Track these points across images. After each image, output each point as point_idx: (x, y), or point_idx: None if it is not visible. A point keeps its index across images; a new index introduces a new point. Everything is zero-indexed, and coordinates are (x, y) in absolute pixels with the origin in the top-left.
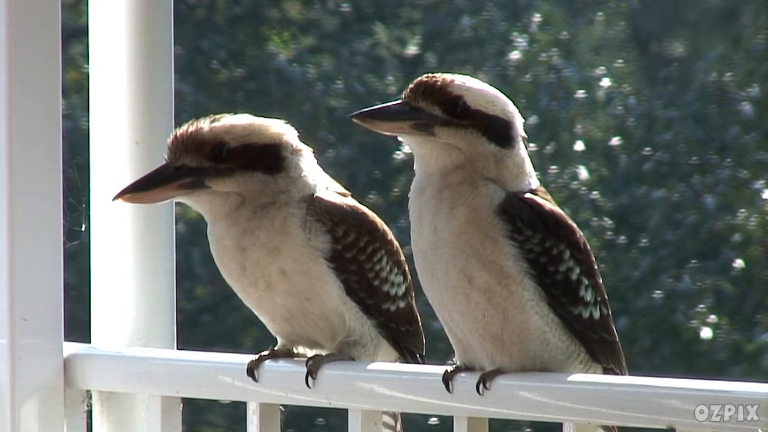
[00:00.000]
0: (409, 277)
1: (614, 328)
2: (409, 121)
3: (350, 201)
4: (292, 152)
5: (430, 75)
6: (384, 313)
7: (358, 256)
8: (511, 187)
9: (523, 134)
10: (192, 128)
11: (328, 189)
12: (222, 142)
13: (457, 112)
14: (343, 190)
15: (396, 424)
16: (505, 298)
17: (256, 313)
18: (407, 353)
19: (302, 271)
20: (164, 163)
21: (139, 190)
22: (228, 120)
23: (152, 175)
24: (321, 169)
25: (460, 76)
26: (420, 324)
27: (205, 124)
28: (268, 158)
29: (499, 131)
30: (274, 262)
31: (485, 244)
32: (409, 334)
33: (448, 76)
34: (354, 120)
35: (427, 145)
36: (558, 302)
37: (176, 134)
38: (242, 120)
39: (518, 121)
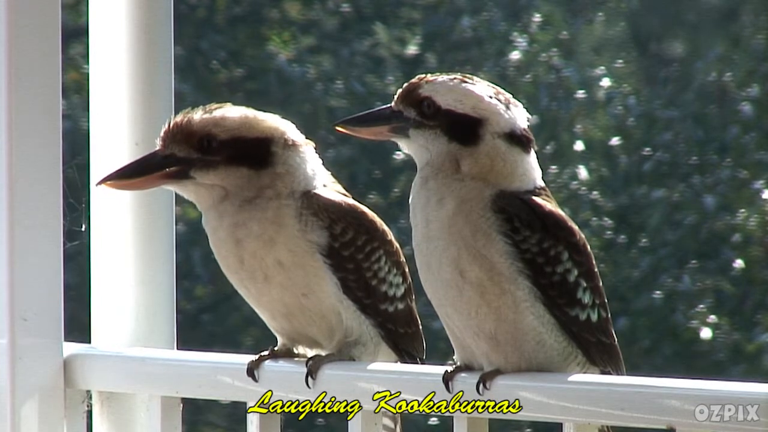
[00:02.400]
0: (409, 278)
1: (613, 331)
2: (386, 125)
3: (349, 200)
4: (285, 147)
5: (420, 76)
6: (382, 314)
7: (355, 254)
8: (506, 185)
9: (508, 131)
10: (185, 118)
11: (327, 187)
12: (210, 134)
13: (427, 113)
14: (343, 190)
15: (396, 426)
16: (497, 295)
17: (256, 310)
18: (406, 356)
19: (298, 264)
20: (155, 150)
21: (124, 177)
22: (221, 112)
23: (139, 161)
24: (322, 166)
25: (446, 75)
26: (420, 327)
27: (197, 115)
28: (256, 153)
29: (463, 129)
30: (270, 253)
31: (477, 236)
32: (408, 337)
33: (430, 77)
34: (338, 128)
35: (408, 146)
36: (554, 303)
37: (169, 122)
38: (236, 112)
39: (498, 117)
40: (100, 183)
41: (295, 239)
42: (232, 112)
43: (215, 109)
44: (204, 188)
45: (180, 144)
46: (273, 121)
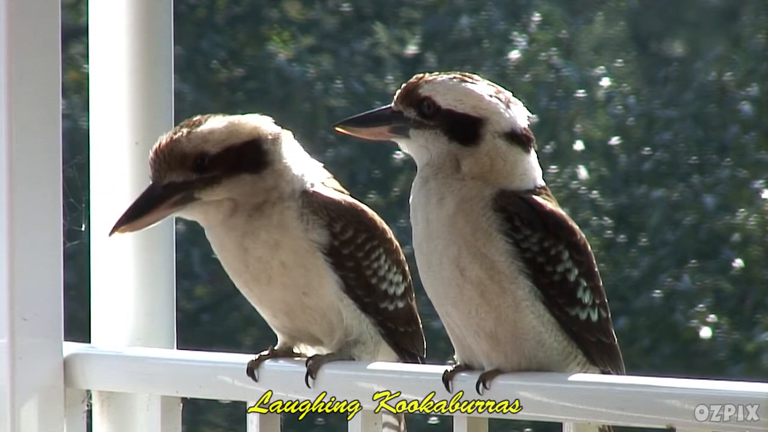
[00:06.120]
0: (409, 277)
1: (613, 331)
2: (386, 125)
3: (348, 198)
4: (273, 143)
5: (419, 75)
6: (382, 312)
7: (355, 252)
8: (506, 184)
9: (509, 130)
10: (170, 142)
11: (325, 184)
12: (203, 152)
13: (427, 113)
14: (340, 187)
15: (400, 424)
16: (497, 294)
17: (257, 309)
18: (407, 355)
19: (300, 264)
20: (150, 183)
21: (133, 218)
22: (205, 127)
23: (142, 200)
24: (306, 154)
25: (445, 74)
26: (420, 326)
27: (182, 136)
28: (251, 156)
29: (463, 129)
30: (275, 256)
31: (477, 235)
32: (408, 336)
33: (429, 76)
34: (338, 129)
35: (408, 146)
36: (554, 303)
37: (156, 151)
38: (218, 123)
39: (498, 117)
40: (112, 233)
41: (298, 240)
42: (215, 123)
43: (195, 124)
44: (212, 205)
45: (175, 170)
46: (255, 121)
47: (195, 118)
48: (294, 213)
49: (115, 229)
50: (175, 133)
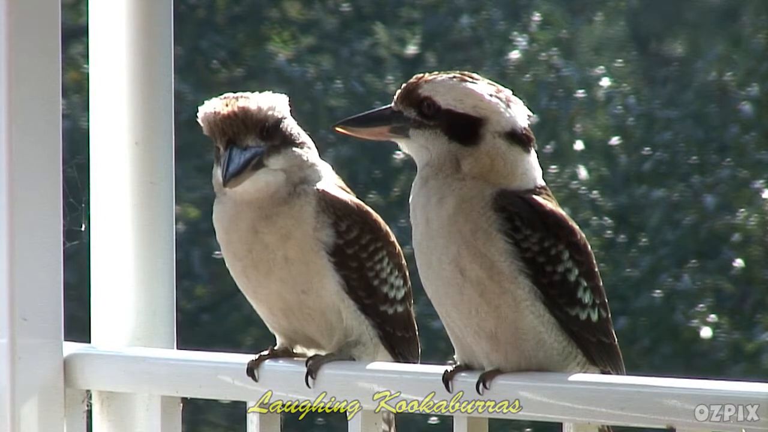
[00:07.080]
0: (409, 282)
1: (613, 330)
2: (386, 125)
3: (354, 198)
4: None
5: (419, 75)
6: (381, 315)
7: (359, 253)
8: (506, 184)
9: (509, 130)
10: (246, 107)
11: (336, 184)
12: (267, 119)
13: (427, 112)
14: (346, 187)
15: (390, 428)
16: (497, 294)
17: (253, 304)
18: (402, 359)
19: (303, 261)
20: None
21: (237, 175)
22: (261, 97)
23: (244, 163)
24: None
25: (445, 74)
26: (417, 332)
27: (249, 103)
28: (292, 131)
29: (463, 129)
30: (281, 248)
31: (477, 235)
32: (405, 341)
33: (429, 76)
34: (338, 129)
35: (408, 146)
36: (554, 303)
37: (230, 114)
38: (269, 96)
39: (498, 116)
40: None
41: (307, 237)
42: (266, 95)
43: (242, 96)
44: (272, 176)
45: (251, 134)
46: (282, 98)
47: (236, 94)
48: (311, 209)
49: (230, 182)
50: (237, 99)
